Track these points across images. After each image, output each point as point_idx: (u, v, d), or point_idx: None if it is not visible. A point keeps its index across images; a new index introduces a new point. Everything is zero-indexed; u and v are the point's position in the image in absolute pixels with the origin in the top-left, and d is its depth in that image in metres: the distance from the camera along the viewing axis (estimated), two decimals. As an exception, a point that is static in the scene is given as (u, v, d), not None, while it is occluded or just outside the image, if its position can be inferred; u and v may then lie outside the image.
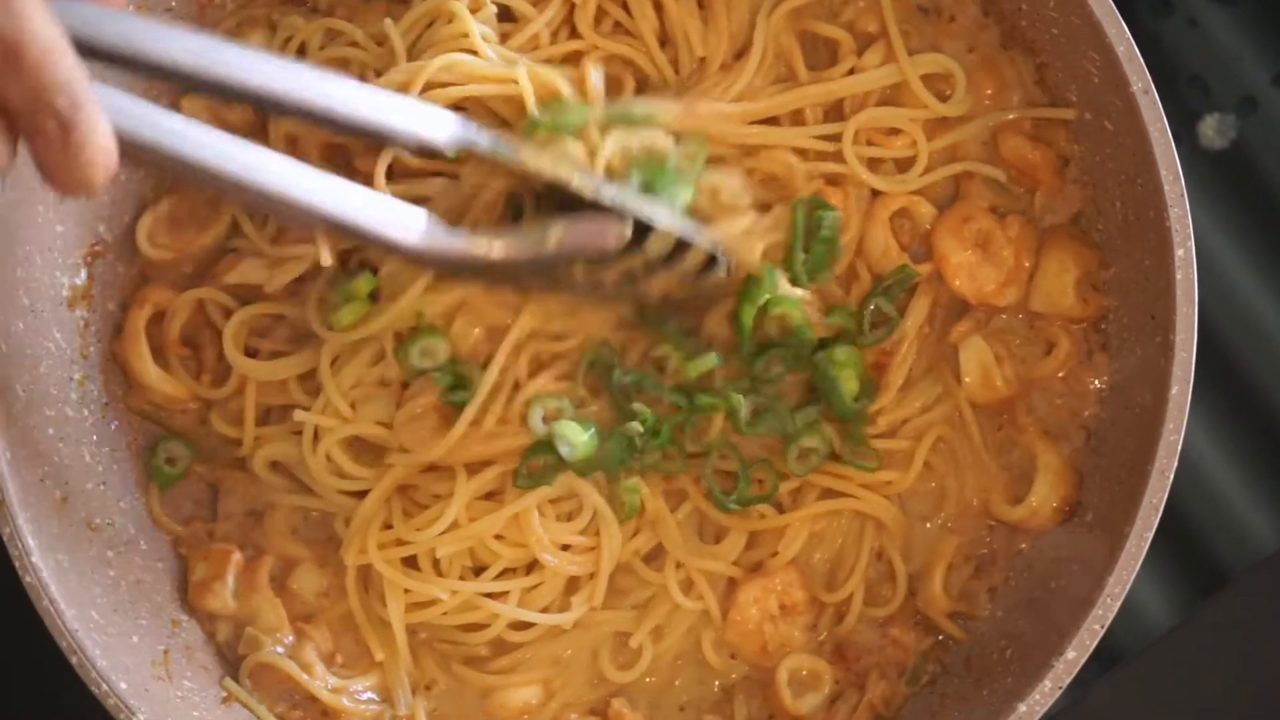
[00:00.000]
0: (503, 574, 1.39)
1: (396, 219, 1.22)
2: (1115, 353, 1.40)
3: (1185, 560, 1.56)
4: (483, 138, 1.28)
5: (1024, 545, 1.42)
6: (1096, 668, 1.50)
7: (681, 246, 1.30)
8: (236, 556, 1.41)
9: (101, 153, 0.94)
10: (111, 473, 1.42)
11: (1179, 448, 1.29)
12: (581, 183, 1.28)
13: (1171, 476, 1.29)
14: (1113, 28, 1.31)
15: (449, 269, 1.29)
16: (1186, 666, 1.55)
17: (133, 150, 1.04)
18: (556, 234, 1.26)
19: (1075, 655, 1.28)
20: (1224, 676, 1.56)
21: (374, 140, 1.28)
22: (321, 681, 1.39)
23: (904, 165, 1.42)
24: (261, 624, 1.40)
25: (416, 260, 1.26)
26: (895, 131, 1.41)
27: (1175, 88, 1.61)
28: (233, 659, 1.42)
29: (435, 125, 1.25)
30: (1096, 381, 1.40)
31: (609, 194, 1.28)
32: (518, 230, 1.29)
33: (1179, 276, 1.30)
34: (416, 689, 1.42)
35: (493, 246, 1.25)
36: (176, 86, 1.23)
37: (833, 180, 1.41)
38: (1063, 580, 1.36)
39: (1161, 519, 1.29)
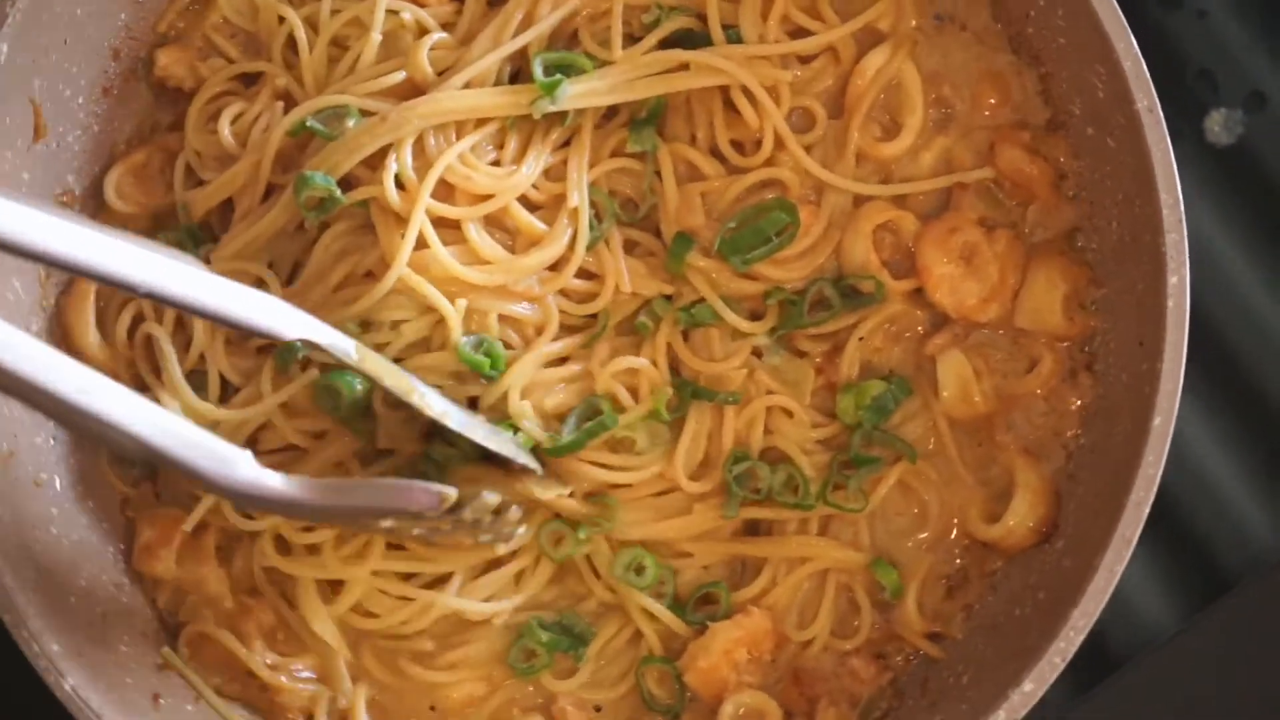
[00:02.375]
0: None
1: (218, 456, 1.16)
2: (1100, 376, 1.35)
3: (1187, 565, 1.52)
4: (329, 337, 1.23)
5: (997, 565, 1.38)
6: (1098, 672, 1.47)
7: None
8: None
9: None
10: (62, 427, 1.38)
11: (1157, 482, 1.26)
12: (422, 402, 1.26)
13: (1147, 510, 1.25)
14: (1121, 41, 1.27)
15: (267, 508, 1.25)
16: (1188, 672, 1.51)
17: None
18: (369, 492, 1.22)
19: (1033, 688, 1.25)
20: (1226, 682, 1.52)
21: (231, 328, 1.25)
22: (260, 656, 1.36)
23: (888, 176, 1.38)
24: (204, 593, 1.37)
25: (234, 498, 1.20)
26: (890, 136, 1.37)
27: (1183, 81, 1.57)
28: (173, 626, 1.39)
29: (290, 322, 1.20)
30: (1079, 401, 1.36)
31: (456, 419, 1.27)
32: (341, 479, 1.30)
33: (1171, 304, 1.26)
34: (358, 677, 1.39)
35: (307, 493, 1.19)
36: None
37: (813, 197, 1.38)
38: (1028, 608, 1.33)
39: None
